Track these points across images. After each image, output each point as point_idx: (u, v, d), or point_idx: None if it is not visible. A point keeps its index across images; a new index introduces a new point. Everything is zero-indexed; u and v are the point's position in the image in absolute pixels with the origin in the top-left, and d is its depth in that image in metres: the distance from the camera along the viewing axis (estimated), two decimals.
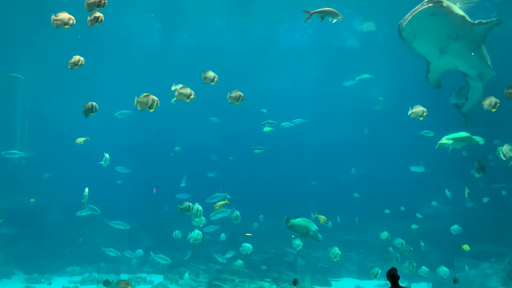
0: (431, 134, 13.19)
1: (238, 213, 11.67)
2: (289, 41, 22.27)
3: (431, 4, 8.09)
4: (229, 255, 15.24)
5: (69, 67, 8.42)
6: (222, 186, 16.29)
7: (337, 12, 8.58)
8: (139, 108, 7.87)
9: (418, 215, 16.83)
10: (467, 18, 9.06)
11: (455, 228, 14.56)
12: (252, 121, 16.92)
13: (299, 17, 20.42)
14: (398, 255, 13.20)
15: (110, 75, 20.85)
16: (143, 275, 17.28)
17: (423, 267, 13.05)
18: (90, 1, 7.68)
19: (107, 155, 12.14)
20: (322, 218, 11.27)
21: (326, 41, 21.45)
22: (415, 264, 12.58)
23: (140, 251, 16.16)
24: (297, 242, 13.61)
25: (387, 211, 17.52)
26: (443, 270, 12.67)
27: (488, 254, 15.56)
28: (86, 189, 11.63)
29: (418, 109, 9.49)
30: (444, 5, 8.24)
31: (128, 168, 18.17)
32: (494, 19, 9.41)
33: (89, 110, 8.64)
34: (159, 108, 8.18)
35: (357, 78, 20.00)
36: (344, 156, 22.50)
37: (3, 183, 18.00)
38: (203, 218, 11.96)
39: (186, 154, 20.86)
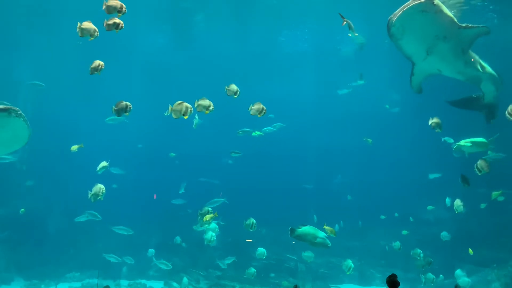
0: (451, 140, 12.98)
1: (254, 221, 11.24)
2: (291, 48, 22.40)
3: (423, 1, 8.04)
4: (228, 261, 15.20)
5: (90, 72, 8.11)
6: (222, 192, 16.25)
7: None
8: (174, 116, 7.78)
9: (411, 219, 16.83)
10: (455, 20, 9.00)
11: (444, 234, 14.55)
12: (253, 126, 16.88)
13: (300, 24, 20.62)
14: (428, 266, 13.12)
15: (112, 81, 20.89)
16: (143, 281, 17.20)
17: (441, 275, 13.08)
18: (110, 4, 7.42)
19: (104, 163, 11.69)
20: (329, 229, 10.98)
21: (327, 48, 21.58)
22: (433, 276, 12.55)
23: (152, 251, 16.04)
24: (309, 254, 13.48)
25: (382, 216, 17.50)
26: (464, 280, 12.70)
27: (490, 260, 15.49)
28: (102, 187, 10.06)
29: (437, 120, 9.54)
30: (435, 3, 8.19)
31: (123, 169, 18.08)
32: (481, 25, 9.31)
33: (123, 110, 8.35)
34: (161, 113, 8.17)
35: (350, 84, 19.93)
36: (346, 161, 22.54)
37: (4, 189, 17.99)
38: (215, 225, 11.72)
39: (188, 159, 20.90)
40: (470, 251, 13.29)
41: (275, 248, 17.08)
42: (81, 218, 15.16)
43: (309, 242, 9.71)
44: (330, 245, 9.74)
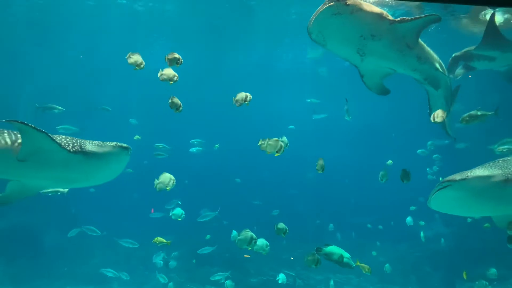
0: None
1: (319, 257, 10.45)
2: (289, 64, 22.57)
3: (332, 3, 7.09)
4: (224, 274, 15.04)
5: (237, 104, 7.99)
6: (220, 206, 16.18)
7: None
8: (267, 151, 7.49)
9: (391, 223, 16.72)
10: (385, 15, 7.75)
11: (408, 220, 14.95)
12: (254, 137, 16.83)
13: (299, 41, 20.83)
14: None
15: (110, 92, 21.02)
16: None
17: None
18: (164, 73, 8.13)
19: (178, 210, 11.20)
20: (366, 267, 10.64)
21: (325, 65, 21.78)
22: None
23: (160, 262, 15.80)
24: (331, 283, 14.55)
25: (369, 225, 17.40)
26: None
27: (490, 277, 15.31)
28: (173, 178, 8.63)
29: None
30: (349, 2, 7.17)
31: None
32: (424, 15, 7.90)
33: (243, 100, 8.05)
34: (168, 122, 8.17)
35: (308, 100, 19.71)
36: (343, 175, 22.51)
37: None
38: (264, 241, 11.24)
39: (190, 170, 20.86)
40: (464, 275, 13.06)
41: (272, 264, 16.95)
42: (73, 233, 15.02)
43: (335, 261, 9.85)
44: (354, 266, 9.93)
